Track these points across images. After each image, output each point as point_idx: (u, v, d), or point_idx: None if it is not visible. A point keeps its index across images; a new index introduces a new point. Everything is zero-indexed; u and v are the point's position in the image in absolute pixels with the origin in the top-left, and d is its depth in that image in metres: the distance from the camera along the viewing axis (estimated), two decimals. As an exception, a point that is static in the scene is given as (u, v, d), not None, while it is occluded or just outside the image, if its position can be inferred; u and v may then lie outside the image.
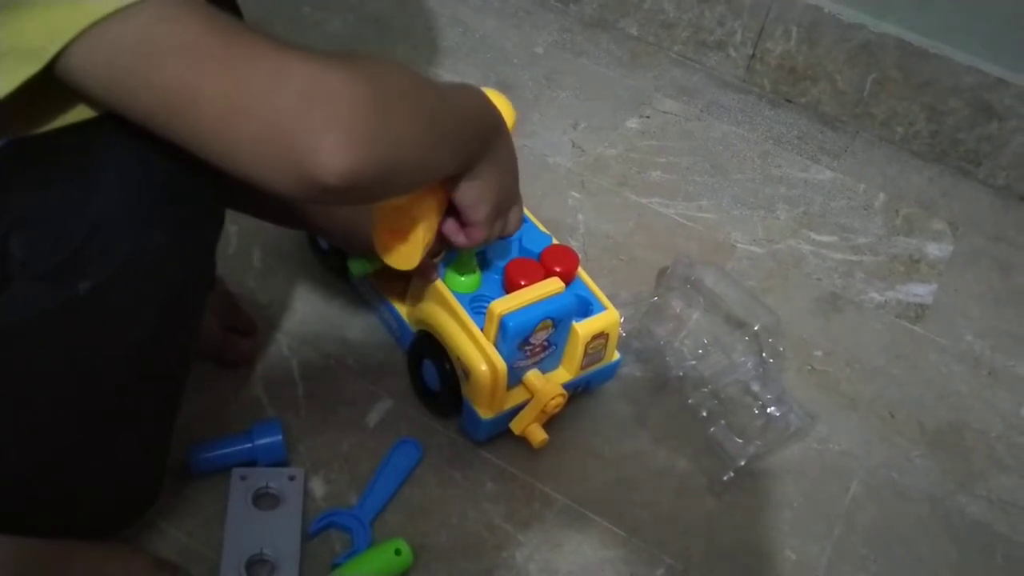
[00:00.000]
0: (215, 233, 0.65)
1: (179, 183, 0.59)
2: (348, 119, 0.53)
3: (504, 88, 1.33)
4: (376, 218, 0.75)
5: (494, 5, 1.51)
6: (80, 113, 0.56)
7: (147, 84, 0.52)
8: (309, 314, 1.00)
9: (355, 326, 1.00)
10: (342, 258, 0.95)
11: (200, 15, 0.52)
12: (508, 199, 0.75)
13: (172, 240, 0.60)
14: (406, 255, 0.75)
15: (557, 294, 0.85)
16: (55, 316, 0.58)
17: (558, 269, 0.87)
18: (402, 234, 0.74)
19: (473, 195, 0.71)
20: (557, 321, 0.84)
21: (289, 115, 0.52)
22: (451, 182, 0.70)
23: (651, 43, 1.48)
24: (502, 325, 0.82)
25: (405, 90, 0.59)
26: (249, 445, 0.84)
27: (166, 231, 0.59)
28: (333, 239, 0.93)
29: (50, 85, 0.52)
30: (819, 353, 1.08)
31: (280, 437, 0.84)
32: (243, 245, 1.05)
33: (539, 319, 0.83)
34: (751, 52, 1.42)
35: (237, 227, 1.05)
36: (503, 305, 0.82)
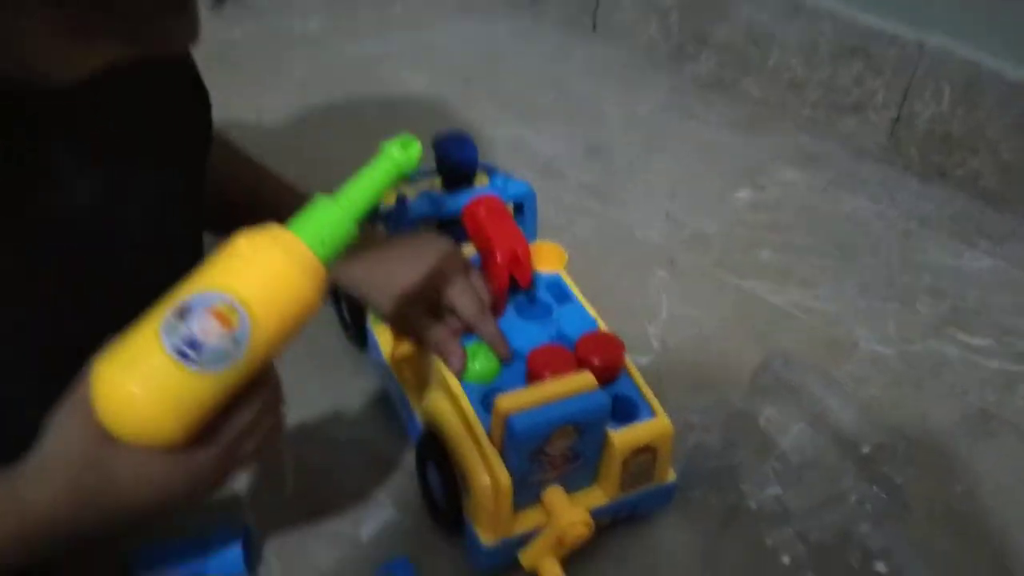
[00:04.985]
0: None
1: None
2: None
3: (595, 152, 1.18)
4: None
5: (594, 67, 1.37)
6: None
7: None
8: (313, 396, 0.86)
9: (367, 414, 0.84)
10: (363, 329, 0.82)
11: None
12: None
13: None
14: None
15: (585, 392, 0.66)
16: None
17: (595, 362, 0.69)
18: None
19: None
20: (583, 427, 0.65)
21: None
22: None
23: (774, 105, 1.29)
24: (508, 427, 0.64)
25: None
26: (202, 555, 0.69)
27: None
28: None
29: None
30: (959, 489, 0.83)
31: (239, 549, 0.69)
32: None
33: (556, 423, 0.64)
34: (895, 115, 1.21)
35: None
36: (512, 401, 0.64)
